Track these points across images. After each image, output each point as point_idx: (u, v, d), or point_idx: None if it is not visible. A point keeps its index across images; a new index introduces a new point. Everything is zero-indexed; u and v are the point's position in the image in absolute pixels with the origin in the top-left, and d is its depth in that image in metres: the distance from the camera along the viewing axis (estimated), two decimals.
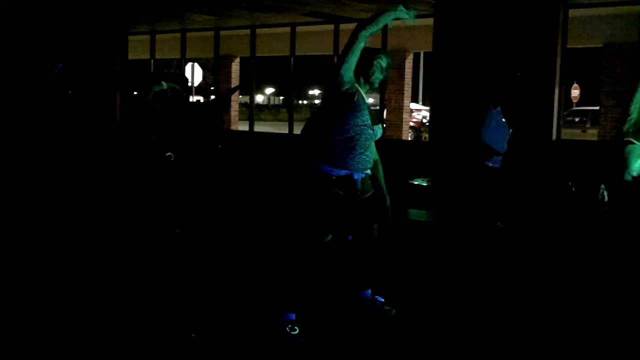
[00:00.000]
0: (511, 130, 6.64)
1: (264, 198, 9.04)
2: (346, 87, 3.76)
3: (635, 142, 5.48)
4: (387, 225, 4.23)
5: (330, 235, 3.89)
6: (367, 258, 4.14)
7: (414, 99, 25.37)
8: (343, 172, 3.81)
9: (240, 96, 19.43)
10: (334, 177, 3.79)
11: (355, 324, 4.08)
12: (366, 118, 3.82)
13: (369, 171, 3.97)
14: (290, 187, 5.41)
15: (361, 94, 3.86)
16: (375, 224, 4.08)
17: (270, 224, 7.22)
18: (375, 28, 3.71)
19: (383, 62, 3.91)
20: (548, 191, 8.51)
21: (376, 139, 3.98)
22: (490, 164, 6.48)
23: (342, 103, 3.79)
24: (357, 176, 3.86)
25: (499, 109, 6.51)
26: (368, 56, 3.87)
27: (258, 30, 14.92)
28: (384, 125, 14.70)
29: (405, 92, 16.36)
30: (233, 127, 17.80)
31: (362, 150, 3.82)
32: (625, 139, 5.49)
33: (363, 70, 3.86)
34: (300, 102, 50.92)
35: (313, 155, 3.85)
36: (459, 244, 6.42)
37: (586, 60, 20.57)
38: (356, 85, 3.84)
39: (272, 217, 7.61)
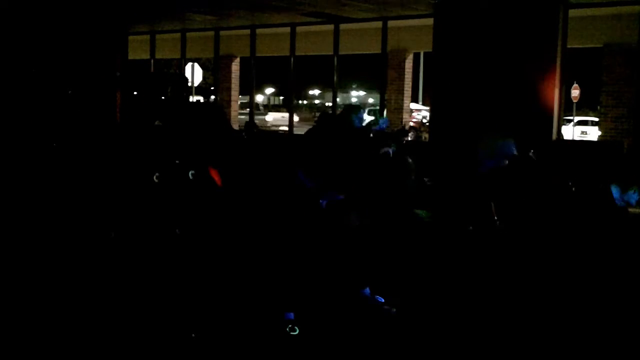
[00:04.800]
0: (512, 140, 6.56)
1: (264, 198, 9.02)
2: None
3: None
4: None
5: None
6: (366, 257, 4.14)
7: (414, 99, 25.35)
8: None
9: (240, 96, 19.40)
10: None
11: (354, 323, 4.08)
12: None
13: None
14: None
15: None
16: None
17: (269, 224, 7.21)
18: None
19: None
20: (548, 191, 8.49)
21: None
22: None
23: None
24: None
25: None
26: None
27: (258, 30, 14.91)
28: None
29: (405, 92, 16.33)
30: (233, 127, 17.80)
31: None
32: None
33: None
34: (300, 102, 50.87)
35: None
36: (458, 243, 6.41)
37: (586, 60, 20.55)
38: None
39: (270, 216, 7.60)
